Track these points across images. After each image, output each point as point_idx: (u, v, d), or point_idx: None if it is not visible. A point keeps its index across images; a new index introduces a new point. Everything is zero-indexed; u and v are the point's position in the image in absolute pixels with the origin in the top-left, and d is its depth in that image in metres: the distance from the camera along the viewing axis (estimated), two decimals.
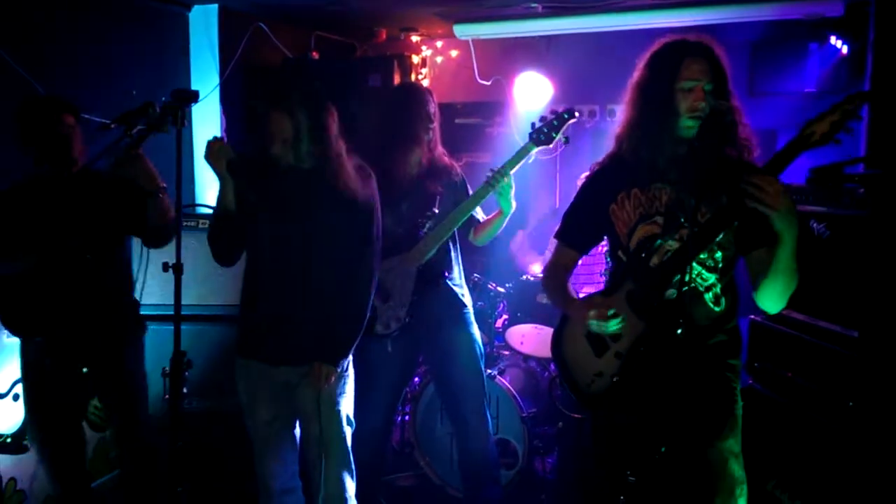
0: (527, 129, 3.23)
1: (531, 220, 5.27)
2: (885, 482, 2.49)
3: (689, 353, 2.11)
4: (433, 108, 3.28)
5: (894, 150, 3.61)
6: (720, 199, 2.11)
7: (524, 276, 4.52)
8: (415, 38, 5.54)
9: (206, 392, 3.51)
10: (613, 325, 2.14)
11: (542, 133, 3.17)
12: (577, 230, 2.42)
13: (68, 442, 3.00)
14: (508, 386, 3.89)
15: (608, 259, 2.45)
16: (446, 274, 3.33)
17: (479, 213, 3.38)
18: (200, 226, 3.64)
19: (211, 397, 3.51)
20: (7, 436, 3.18)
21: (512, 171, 3.17)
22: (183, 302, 2.61)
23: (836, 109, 1.92)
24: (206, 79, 4.51)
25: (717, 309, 2.20)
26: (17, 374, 3.00)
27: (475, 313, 3.50)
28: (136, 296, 3.16)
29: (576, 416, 3.81)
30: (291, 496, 2.78)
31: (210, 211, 3.87)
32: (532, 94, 5.04)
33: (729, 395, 2.23)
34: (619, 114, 2.33)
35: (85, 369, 2.98)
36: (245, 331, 2.75)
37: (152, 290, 3.36)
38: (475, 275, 4.17)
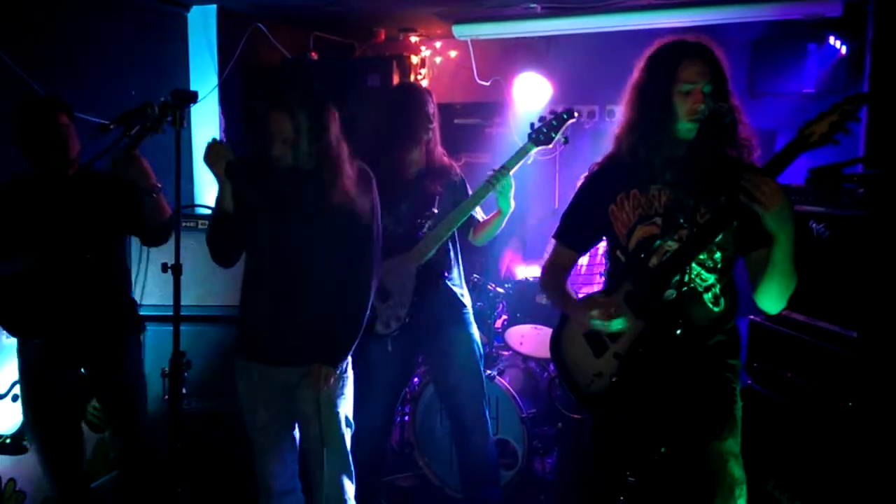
0: (526, 130, 3.23)
1: (530, 221, 5.27)
2: (885, 482, 2.49)
3: (688, 353, 2.12)
4: (433, 108, 3.29)
5: (893, 150, 3.61)
6: (719, 199, 2.11)
7: (523, 277, 4.52)
8: (414, 39, 5.54)
9: (206, 392, 3.51)
10: (616, 325, 2.14)
11: (542, 133, 3.18)
12: (575, 230, 2.42)
13: (67, 442, 3.00)
14: (508, 386, 3.89)
15: (606, 260, 2.45)
16: (446, 274, 3.33)
17: (479, 213, 3.38)
18: (200, 226, 3.64)
19: (211, 398, 3.51)
20: (7, 436, 3.18)
21: (512, 172, 3.18)
22: (182, 302, 2.62)
23: (834, 110, 1.92)
24: (204, 79, 4.51)
25: (716, 309, 2.20)
26: (17, 374, 3.00)
27: (474, 314, 3.51)
28: (136, 296, 3.16)
29: (575, 416, 3.81)
30: (291, 497, 2.78)
31: (209, 211, 3.88)
32: (531, 94, 5.03)
33: (728, 395, 2.23)
34: (618, 114, 2.33)
35: (84, 370, 2.99)
36: (244, 332, 2.74)
37: (152, 290, 3.37)
38: (475, 275, 4.17)
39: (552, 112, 3.22)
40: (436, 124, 3.30)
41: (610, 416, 2.32)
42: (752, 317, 3.06)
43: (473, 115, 5.36)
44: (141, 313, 3.14)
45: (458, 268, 3.42)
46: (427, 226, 3.26)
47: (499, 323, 4.42)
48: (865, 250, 2.59)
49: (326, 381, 2.61)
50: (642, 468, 2.17)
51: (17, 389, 3.07)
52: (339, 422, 2.69)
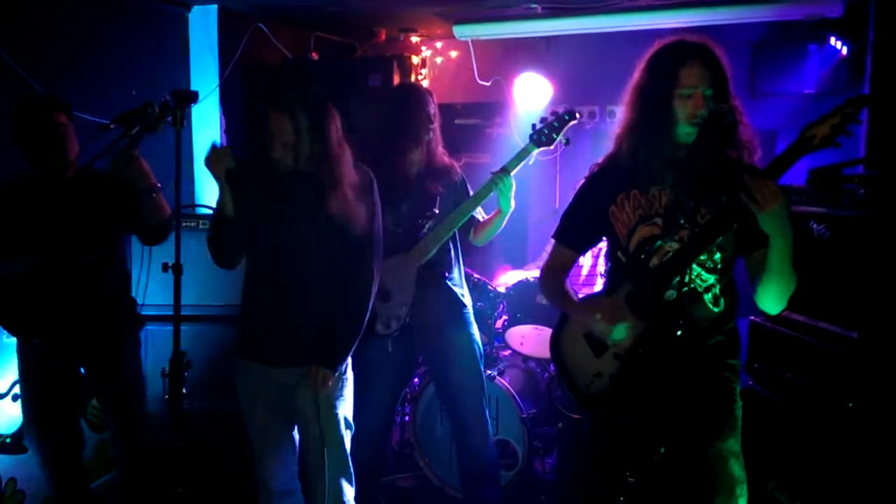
0: (526, 130, 3.24)
1: (530, 220, 5.27)
2: (885, 482, 2.49)
3: (688, 353, 2.11)
4: (434, 108, 3.29)
5: (894, 150, 3.61)
6: (720, 200, 2.11)
7: (525, 277, 4.51)
8: (414, 39, 5.53)
9: (207, 392, 3.50)
10: (617, 334, 2.14)
11: (543, 134, 3.18)
12: (575, 231, 2.41)
13: (67, 442, 3.00)
14: (508, 387, 3.88)
15: (606, 260, 2.45)
16: (446, 274, 3.33)
17: (480, 213, 3.38)
18: (200, 226, 3.64)
19: (211, 397, 3.51)
20: (7, 436, 3.18)
21: (513, 173, 3.18)
22: (183, 302, 2.62)
23: (836, 113, 1.91)
24: (205, 79, 4.50)
25: (716, 310, 2.20)
26: (17, 374, 3.00)
27: (475, 314, 3.50)
28: (137, 296, 3.16)
29: (575, 416, 3.81)
30: (291, 497, 2.78)
31: (209, 211, 3.88)
32: (532, 94, 5.03)
33: (728, 394, 2.23)
34: (619, 115, 2.32)
35: (84, 369, 2.99)
36: (245, 331, 2.74)
37: (153, 290, 3.36)
38: (475, 275, 4.17)
39: (554, 113, 3.22)
40: (437, 124, 3.30)
41: (610, 417, 2.32)
42: (752, 317, 3.06)
43: (474, 116, 5.36)
44: (142, 313, 3.14)
45: (459, 267, 3.42)
46: (428, 226, 3.26)
47: (499, 323, 4.42)
48: (866, 251, 2.59)
49: (324, 384, 2.61)
50: (642, 468, 2.17)
51: (17, 389, 3.07)
52: (338, 423, 2.69)
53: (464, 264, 3.48)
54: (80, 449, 3.07)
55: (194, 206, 4.18)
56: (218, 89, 4.52)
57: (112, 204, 2.93)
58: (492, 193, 3.20)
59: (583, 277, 4.40)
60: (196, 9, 4.46)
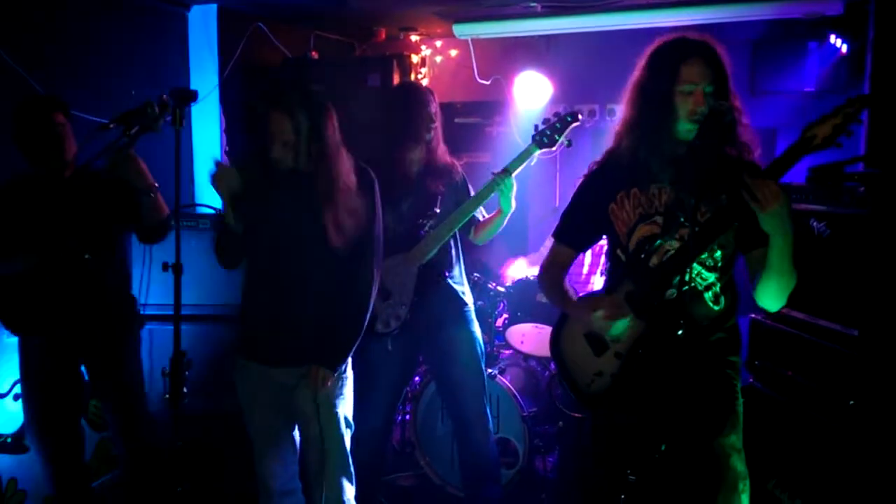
0: (526, 129, 3.24)
1: (531, 219, 5.27)
2: (885, 481, 2.49)
3: (688, 352, 2.11)
4: (434, 107, 3.28)
5: (894, 148, 3.61)
6: (720, 198, 2.10)
7: (524, 276, 4.52)
8: (414, 38, 5.53)
9: (207, 392, 3.51)
10: (617, 329, 2.14)
11: (545, 135, 3.17)
12: (575, 229, 2.41)
13: (68, 441, 3.01)
14: (509, 385, 3.89)
15: (606, 259, 2.44)
16: (447, 273, 3.33)
17: (481, 212, 3.38)
18: (200, 226, 3.64)
19: (211, 397, 3.51)
20: (7, 436, 3.18)
21: (514, 173, 3.18)
22: (183, 302, 2.62)
23: (837, 112, 1.90)
24: (205, 79, 4.50)
25: (716, 308, 2.20)
26: (18, 373, 3.00)
27: (475, 312, 3.50)
28: (139, 295, 3.16)
29: (576, 415, 3.81)
30: (291, 497, 2.78)
31: (209, 211, 3.88)
32: (532, 93, 5.04)
33: (730, 391, 2.23)
34: (619, 112, 2.32)
35: (84, 368, 2.99)
36: (245, 331, 2.74)
37: (153, 289, 3.36)
38: (475, 274, 4.17)
39: (556, 114, 3.21)
40: (438, 124, 3.30)
41: (610, 416, 2.32)
42: (752, 315, 3.06)
43: (474, 114, 5.36)
44: (143, 312, 3.14)
45: (460, 265, 3.42)
46: (428, 225, 3.26)
47: (500, 321, 4.42)
48: (866, 249, 2.59)
49: (324, 384, 2.61)
50: (643, 467, 2.17)
51: (18, 388, 3.08)
52: (338, 423, 2.69)
53: (468, 259, 3.48)
54: (81, 448, 3.07)
55: (194, 205, 4.18)
56: (217, 89, 4.52)
57: (110, 203, 2.94)
58: (493, 194, 3.20)
59: (583, 276, 4.40)
60: (195, 8, 4.46)
